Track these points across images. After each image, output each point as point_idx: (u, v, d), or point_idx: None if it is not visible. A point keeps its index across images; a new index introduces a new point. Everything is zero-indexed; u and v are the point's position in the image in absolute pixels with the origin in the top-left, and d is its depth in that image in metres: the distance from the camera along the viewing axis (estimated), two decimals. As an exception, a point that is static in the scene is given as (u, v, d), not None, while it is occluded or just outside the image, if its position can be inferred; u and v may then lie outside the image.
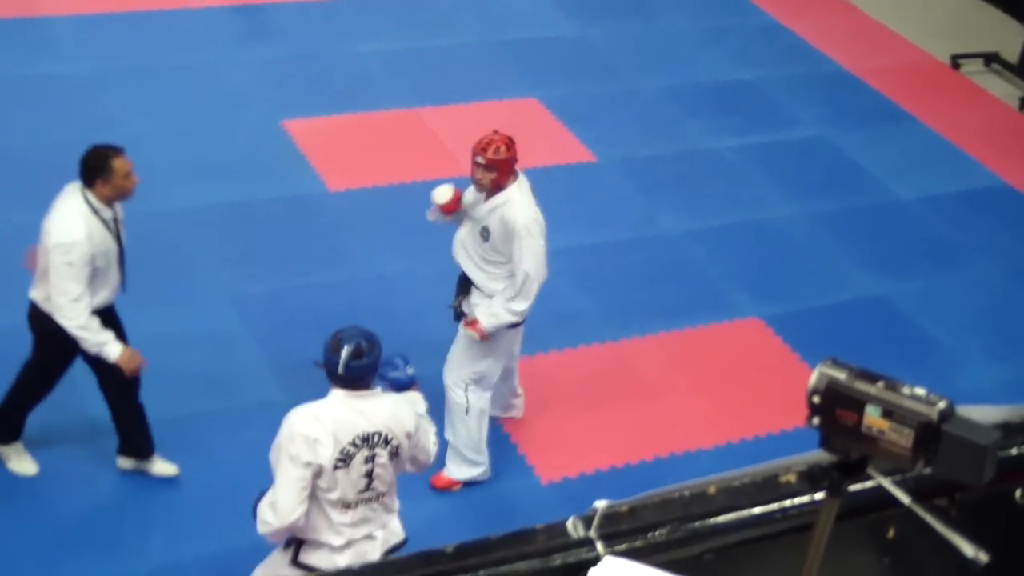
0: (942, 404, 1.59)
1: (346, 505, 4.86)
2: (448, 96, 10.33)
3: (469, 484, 6.75)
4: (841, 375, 1.62)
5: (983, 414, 2.43)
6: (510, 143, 6.32)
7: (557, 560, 1.91)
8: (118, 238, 5.98)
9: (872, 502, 2.07)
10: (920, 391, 1.61)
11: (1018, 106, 11.74)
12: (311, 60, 10.64)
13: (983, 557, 1.65)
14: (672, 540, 2.07)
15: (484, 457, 6.75)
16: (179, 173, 8.83)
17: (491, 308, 6.37)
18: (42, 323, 5.98)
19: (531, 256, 6.26)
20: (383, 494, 4.96)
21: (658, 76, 11.20)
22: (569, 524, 1.98)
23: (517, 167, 6.42)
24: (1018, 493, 2.39)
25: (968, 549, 1.67)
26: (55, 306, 5.79)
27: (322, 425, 4.70)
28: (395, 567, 1.93)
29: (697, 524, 2.08)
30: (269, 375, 7.23)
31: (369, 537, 5.01)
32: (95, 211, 5.80)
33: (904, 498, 1.79)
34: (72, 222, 5.73)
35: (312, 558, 4.97)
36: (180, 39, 10.64)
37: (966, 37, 12.76)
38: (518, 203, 6.31)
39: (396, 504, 5.13)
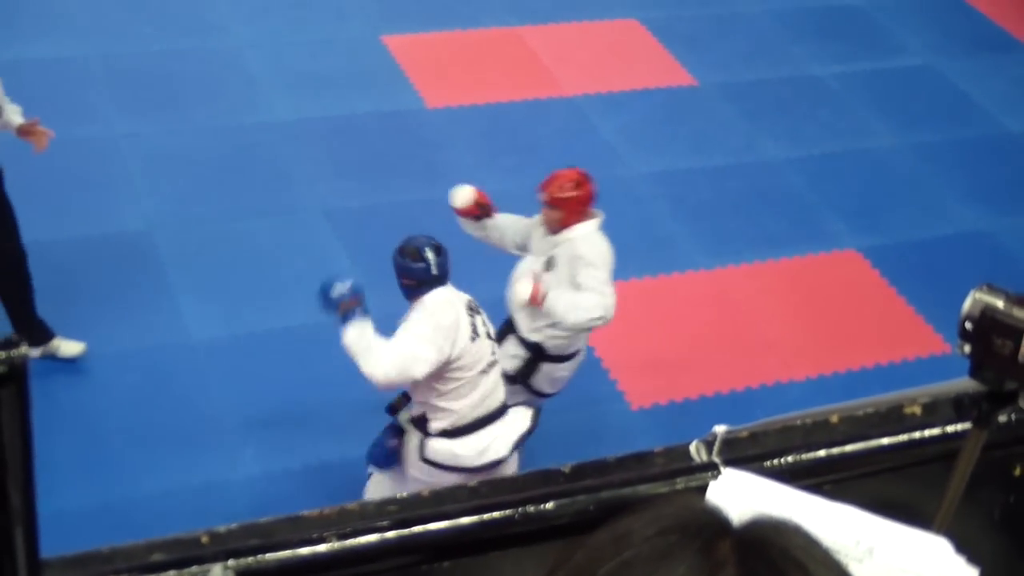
0: (1109, 338, 1.51)
1: (483, 372, 5.24)
2: (548, 15, 10.19)
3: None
4: (999, 301, 1.55)
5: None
6: (581, 180, 5.68)
7: (680, 484, 1.87)
8: None
9: (999, 439, 2.00)
10: (1083, 323, 1.53)
11: None
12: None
13: None
14: (793, 468, 2.02)
15: None
16: (279, 84, 8.84)
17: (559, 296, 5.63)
18: None
19: (597, 285, 5.58)
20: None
21: (762, -1, 10.98)
22: (692, 448, 1.94)
23: (591, 204, 5.73)
24: None
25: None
26: None
27: (454, 307, 5.12)
28: (513, 486, 1.91)
29: (820, 452, 2.03)
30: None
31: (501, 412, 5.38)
32: None
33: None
34: None
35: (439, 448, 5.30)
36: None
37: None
38: (587, 236, 5.67)
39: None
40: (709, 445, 1.95)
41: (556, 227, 5.68)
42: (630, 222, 8.09)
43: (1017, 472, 2.12)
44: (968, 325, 1.56)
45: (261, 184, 7.93)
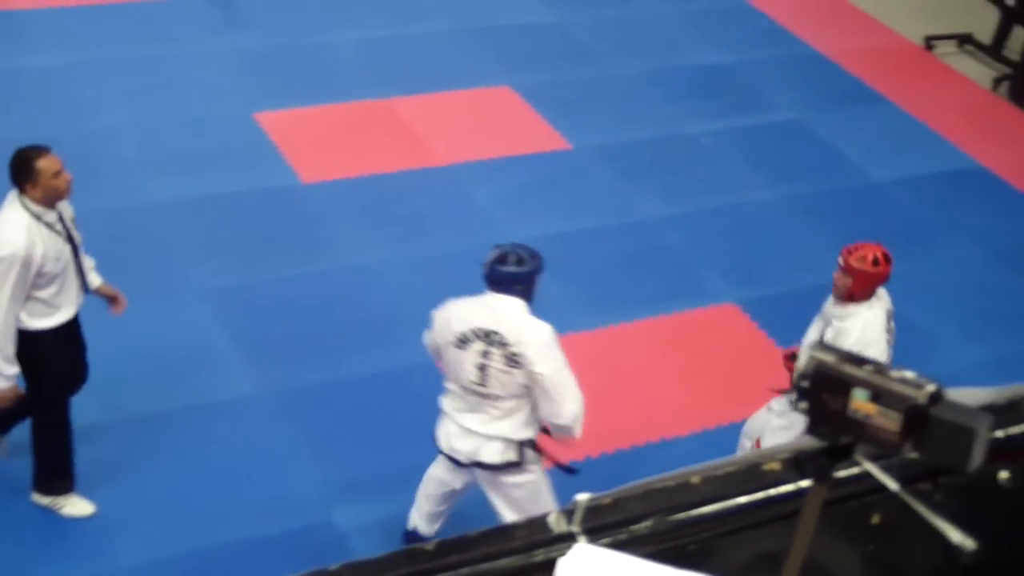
0: (931, 387, 1.55)
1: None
2: (421, 85, 10.27)
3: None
4: (829, 358, 1.59)
5: (966, 396, 2.41)
6: (886, 259, 5.97)
7: (539, 556, 1.87)
8: (70, 239, 5.73)
9: (856, 489, 2.04)
10: (909, 374, 1.57)
11: (991, 87, 11.76)
12: (284, 50, 10.56)
13: (969, 544, 1.62)
14: (657, 532, 2.03)
15: None
16: (153, 166, 8.77)
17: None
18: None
19: None
20: (498, 397, 5.48)
21: (634, 61, 11.17)
22: (551, 519, 1.94)
23: (874, 291, 6.01)
24: (1002, 475, 2.37)
25: (955, 535, 1.64)
26: None
27: None
28: (376, 566, 1.89)
29: (682, 515, 2.05)
30: (243, 370, 7.17)
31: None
32: (36, 216, 5.52)
33: (892, 484, 1.76)
34: (11, 233, 5.45)
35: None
36: (153, 30, 10.56)
37: (939, 19, 12.77)
38: (863, 320, 5.97)
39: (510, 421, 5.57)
40: (570, 515, 1.95)
41: (845, 296, 6.02)
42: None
43: (875, 520, 2.15)
44: (804, 383, 1.59)
45: (139, 267, 7.80)
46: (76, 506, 6.21)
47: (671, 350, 7.87)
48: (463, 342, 5.44)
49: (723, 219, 9.15)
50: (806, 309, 8.28)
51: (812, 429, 1.63)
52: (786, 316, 8.18)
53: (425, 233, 8.34)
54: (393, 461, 6.66)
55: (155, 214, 8.31)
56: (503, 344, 5.40)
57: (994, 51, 12.17)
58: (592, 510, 2.00)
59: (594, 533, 1.94)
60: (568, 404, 5.53)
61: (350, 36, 10.91)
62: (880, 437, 1.56)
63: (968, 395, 2.38)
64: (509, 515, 5.66)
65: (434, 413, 5.76)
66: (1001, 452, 2.31)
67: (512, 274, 5.51)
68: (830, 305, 6.13)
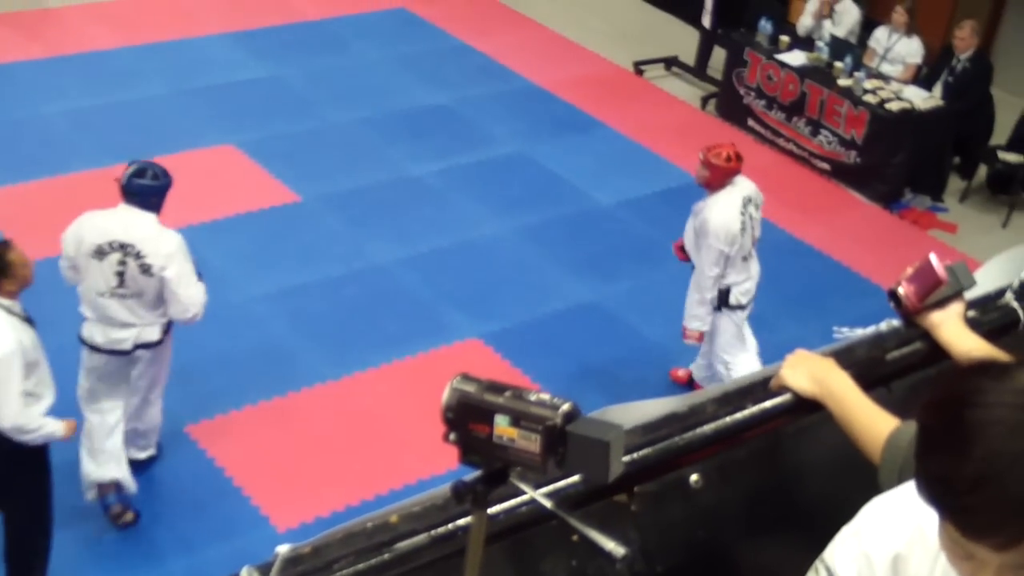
0: (566, 406, 1.64)
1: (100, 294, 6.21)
2: (141, 151, 9.99)
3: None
4: (471, 388, 1.66)
5: (649, 408, 2.53)
6: (738, 157, 7.30)
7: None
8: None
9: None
10: (545, 396, 1.65)
11: (700, 105, 12.32)
12: (-8, 127, 10.21)
13: (620, 551, 1.70)
14: (360, 573, 2.06)
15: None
16: None
17: (686, 314, 7.70)
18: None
19: (705, 254, 7.40)
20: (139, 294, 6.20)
21: (354, 108, 11.25)
22: (243, 573, 1.95)
23: (727, 182, 7.35)
24: (693, 478, 2.49)
25: (607, 543, 1.73)
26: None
27: None
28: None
29: (384, 554, 2.08)
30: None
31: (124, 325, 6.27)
32: (8, 309, 5.56)
33: (545, 502, 1.84)
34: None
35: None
36: None
37: (646, 44, 13.31)
38: (717, 207, 7.33)
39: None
40: (267, 568, 1.97)
41: (704, 186, 7.48)
42: (249, 344, 8.06)
43: (575, 538, 2.23)
44: (450, 415, 1.66)
45: None
46: None
47: (419, 390, 7.93)
48: (100, 254, 6.13)
49: (456, 256, 9.29)
50: (548, 335, 8.53)
51: (464, 458, 1.69)
52: (529, 344, 8.38)
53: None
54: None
55: None
56: (138, 255, 6.09)
57: (698, 71, 12.75)
58: (292, 560, 2.02)
59: (293, 584, 1.96)
60: (192, 308, 6.31)
61: (63, 107, 10.63)
62: (524, 459, 1.63)
63: (649, 407, 2.51)
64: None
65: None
66: (686, 455, 2.44)
67: (149, 187, 6.18)
68: (699, 202, 7.52)
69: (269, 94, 11.33)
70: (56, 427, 5.71)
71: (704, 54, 12.73)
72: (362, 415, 7.66)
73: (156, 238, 6.16)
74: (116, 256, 6.11)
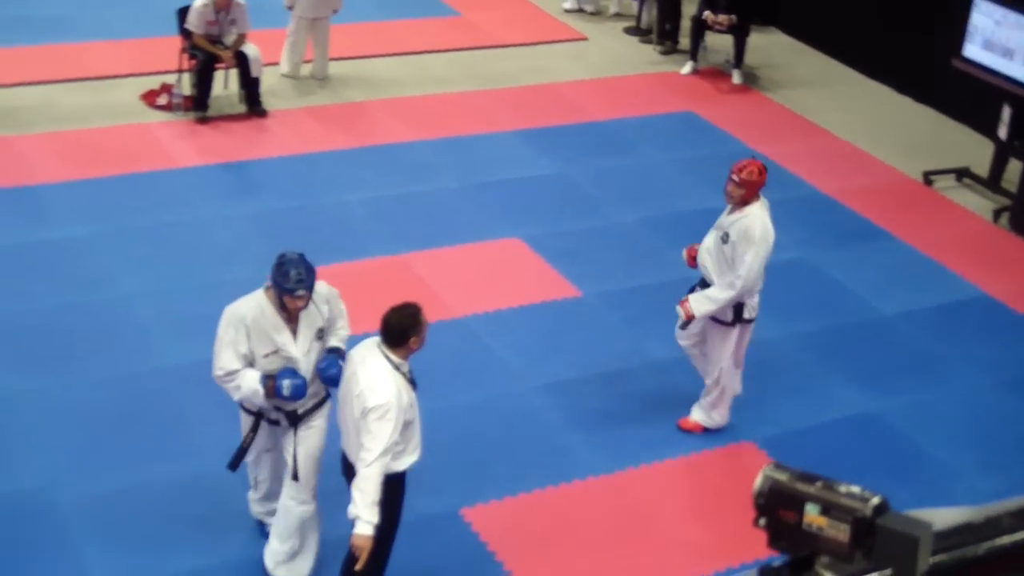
0: (876, 500, 1.67)
1: None
2: (433, 240, 10.50)
3: None
4: (783, 476, 1.71)
5: (946, 515, 2.51)
6: (764, 170, 7.74)
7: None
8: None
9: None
10: (855, 489, 1.69)
11: (992, 218, 11.96)
12: (296, 212, 10.81)
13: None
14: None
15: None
16: (169, 330, 8.95)
17: (701, 294, 7.86)
18: None
19: (753, 259, 7.67)
20: None
21: (637, 208, 11.42)
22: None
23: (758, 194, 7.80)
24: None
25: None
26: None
27: None
28: None
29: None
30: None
31: None
32: (397, 368, 6.15)
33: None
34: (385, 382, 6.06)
35: None
36: (167, 198, 10.84)
37: (937, 154, 13.04)
38: (757, 216, 7.67)
39: None
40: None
41: (738, 203, 7.80)
42: (525, 434, 8.24)
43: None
44: (760, 500, 1.71)
45: (159, 430, 7.95)
46: None
47: (692, 491, 7.93)
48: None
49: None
50: (823, 444, 8.38)
51: (772, 543, 1.74)
52: (804, 451, 8.25)
53: (441, 385, 8.37)
54: None
55: (173, 376, 8.44)
56: None
57: (991, 183, 12.40)
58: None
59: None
60: None
61: (361, 196, 11.18)
62: (832, 548, 1.67)
63: (946, 515, 2.49)
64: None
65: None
66: (980, 566, 2.40)
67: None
68: (725, 216, 7.85)
69: (556, 191, 11.63)
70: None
71: (999, 165, 12.38)
72: (629, 510, 7.70)
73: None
74: None
